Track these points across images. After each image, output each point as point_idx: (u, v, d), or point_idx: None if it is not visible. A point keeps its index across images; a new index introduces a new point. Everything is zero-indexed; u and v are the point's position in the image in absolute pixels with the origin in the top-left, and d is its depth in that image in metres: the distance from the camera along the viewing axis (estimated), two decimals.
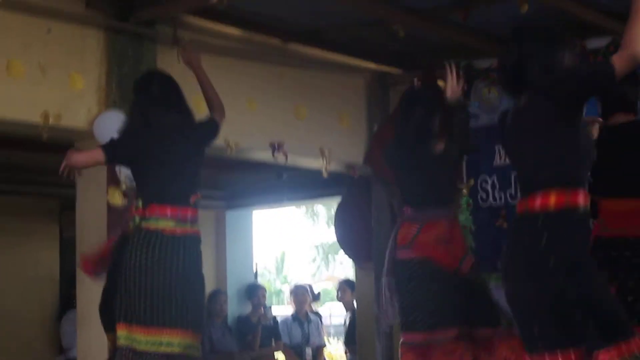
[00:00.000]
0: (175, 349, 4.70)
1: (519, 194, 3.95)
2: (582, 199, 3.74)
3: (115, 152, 4.89)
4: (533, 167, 3.81)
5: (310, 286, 10.29)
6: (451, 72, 5.39)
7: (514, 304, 3.80)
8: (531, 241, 3.71)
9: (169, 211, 4.75)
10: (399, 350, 5.38)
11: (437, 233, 5.28)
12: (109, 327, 5.14)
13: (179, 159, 4.84)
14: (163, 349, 4.68)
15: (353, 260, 8.77)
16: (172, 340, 4.69)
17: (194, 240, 4.85)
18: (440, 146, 5.35)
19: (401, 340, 5.36)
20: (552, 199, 3.69)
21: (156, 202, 4.78)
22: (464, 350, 5.21)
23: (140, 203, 4.85)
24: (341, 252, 19.31)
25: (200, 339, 4.90)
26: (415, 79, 5.92)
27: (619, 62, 3.63)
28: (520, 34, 4.00)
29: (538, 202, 3.71)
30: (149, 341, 4.68)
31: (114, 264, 5.19)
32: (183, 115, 4.95)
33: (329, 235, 21.85)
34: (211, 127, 5.15)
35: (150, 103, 4.92)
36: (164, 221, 4.75)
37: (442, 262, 5.25)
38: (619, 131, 4.75)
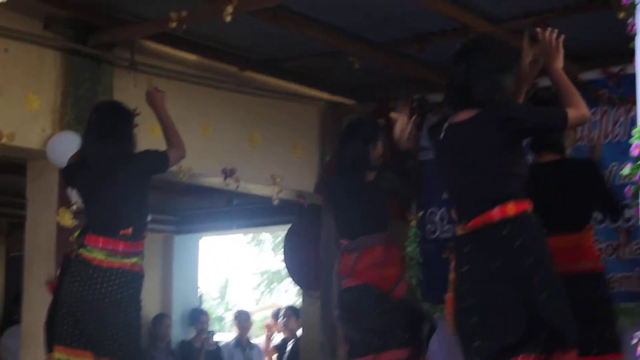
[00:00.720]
0: None
1: (463, 212, 3.93)
2: (529, 206, 3.85)
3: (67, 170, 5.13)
4: (486, 183, 3.85)
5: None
6: (403, 110, 5.44)
7: (481, 312, 3.80)
8: (501, 246, 3.75)
9: (100, 242, 4.79)
10: None
11: (372, 259, 5.35)
12: (49, 347, 5.15)
13: (104, 191, 4.83)
14: None
15: (300, 287, 8.79)
16: None
17: (124, 275, 4.80)
18: (370, 176, 5.43)
19: None
20: (511, 209, 3.77)
21: (91, 232, 4.84)
22: None
23: (77, 233, 4.97)
24: (285, 280, 19.28)
25: None
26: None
27: (573, 116, 3.76)
28: (470, 51, 4.04)
29: (496, 213, 3.77)
30: None
31: (58, 285, 5.28)
32: (117, 146, 4.85)
33: (274, 262, 21.78)
34: (157, 159, 4.96)
35: (86, 133, 4.96)
36: (96, 251, 4.78)
37: (379, 286, 5.31)
38: (548, 169, 4.89)
